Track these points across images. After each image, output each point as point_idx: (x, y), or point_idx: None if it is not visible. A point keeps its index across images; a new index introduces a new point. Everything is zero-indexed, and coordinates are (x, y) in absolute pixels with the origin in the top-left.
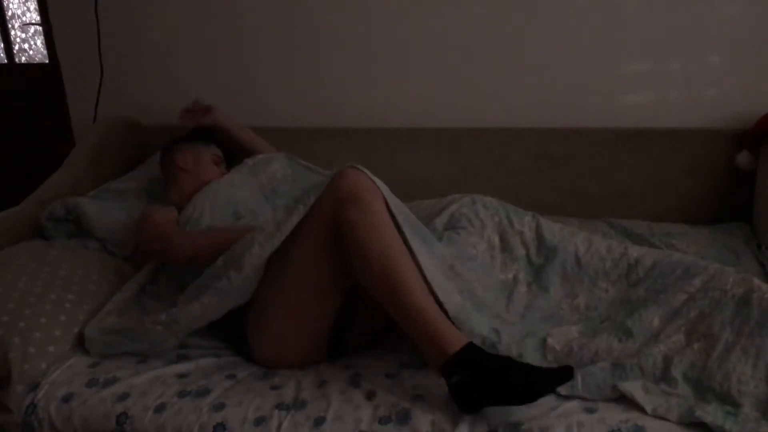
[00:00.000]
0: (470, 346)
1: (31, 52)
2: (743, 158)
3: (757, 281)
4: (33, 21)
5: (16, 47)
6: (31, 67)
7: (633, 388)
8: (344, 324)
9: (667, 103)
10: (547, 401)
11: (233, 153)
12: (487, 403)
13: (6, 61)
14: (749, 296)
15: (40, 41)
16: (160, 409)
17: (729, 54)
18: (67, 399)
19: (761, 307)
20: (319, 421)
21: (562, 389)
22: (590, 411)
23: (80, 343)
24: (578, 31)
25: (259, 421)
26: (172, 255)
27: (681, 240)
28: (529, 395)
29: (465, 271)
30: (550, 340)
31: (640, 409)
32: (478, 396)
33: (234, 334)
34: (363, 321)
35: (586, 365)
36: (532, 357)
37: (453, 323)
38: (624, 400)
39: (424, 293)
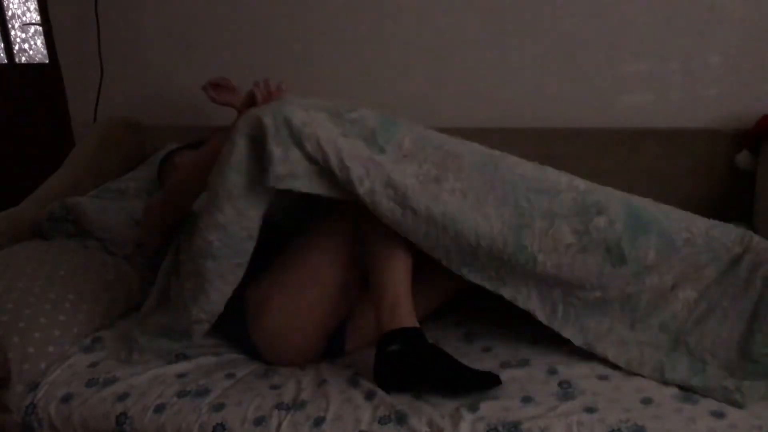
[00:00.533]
0: (418, 331)
1: (31, 52)
2: (743, 158)
3: (757, 240)
4: (33, 21)
5: (16, 47)
6: (31, 67)
7: (606, 345)
8: (345, 325)
9: (667, 103)
10: (547, 400)
11: None
12: (408, 385)
13: (6, 61)
14: (743, 256)
15: (40, 41)
16: (159, 409)
17: (729, 54)
18: (66, 399)
19: (749, 268)
20: (318, 421)
21: (541, 316)
22: (590, 411)
23: (79, 342)
24: (578, 31)
25: (259, 421)
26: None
27: None
28: (450, 390)
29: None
30: (540, 257)
31: (640, 409)
32: (403, 373)
33: (236, 329)
34: (365, 323)
35: (572, 285)
36: (523, 271)
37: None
38: (623, 399)
39: (407, 269)
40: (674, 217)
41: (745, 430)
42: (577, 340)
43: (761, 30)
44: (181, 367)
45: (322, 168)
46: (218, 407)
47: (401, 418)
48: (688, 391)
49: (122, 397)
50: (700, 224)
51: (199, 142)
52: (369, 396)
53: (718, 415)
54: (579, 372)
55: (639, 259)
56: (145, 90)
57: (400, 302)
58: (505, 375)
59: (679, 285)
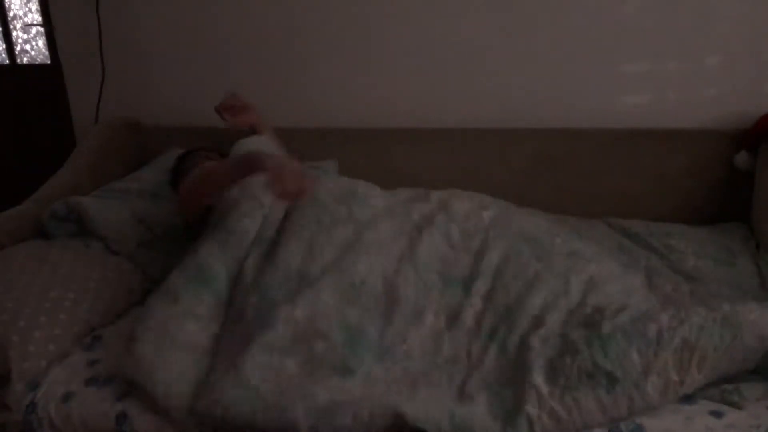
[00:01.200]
0: None
1: (32, 53)
2: (742, 158)
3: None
4: (35, 22)
5: (18, 48)
6: (33, 68)
7: None
8: None
9: (666, 104)
10: None
11: None
12: None
13: (8, 61)
14: (735, 318)
15: (41, 42)
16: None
17: (727, 54)
18: (66, 398)
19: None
20: None
21: None
22: None
23: (79, 341)
24: (577, 32)
25: None
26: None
27: (679, 240)
28: None
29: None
30: (531, 410)
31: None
32: None
33: None
34: None
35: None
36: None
37: None
38: None
39: None
40: (636, 300)
41: (743, 429)
42: None
43: (759, 30)
44: None
45: None
46: None
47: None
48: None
49: (121, 396)
50: (663, 317)
51: (211, 149)
52: None
53: (717, 414)
54: None
55: (628, 369)
56: (146, 91)
57: None
58: None
59: (682, 370)
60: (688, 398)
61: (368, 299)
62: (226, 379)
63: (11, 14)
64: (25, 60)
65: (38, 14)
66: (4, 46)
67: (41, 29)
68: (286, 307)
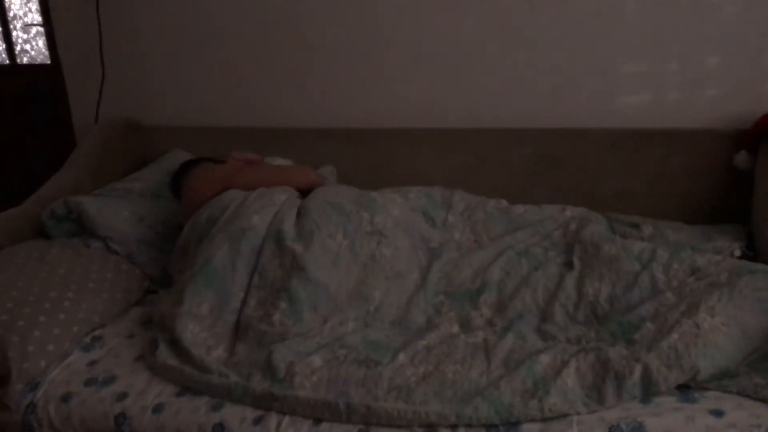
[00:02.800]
0: None
1: (32, 53)
2: (742, 158)
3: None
4: (35, 22)
5: (18, 48)
6: (33, 68)
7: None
8: None
9: (666, 104)
10: None
11: None
12: None
13: (8, 61)
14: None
15: (41, 42)
16: (158, 409)
17: (727, 54)
18: (65, 399)
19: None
20: (318, 421)
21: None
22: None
23: (78, 341)
24: (577, 32)
25: (258, 421)
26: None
27: (666, 228)
28: None
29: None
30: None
31: (639, 408)
32: None
33: None
34: None
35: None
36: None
37: None
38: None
39: None
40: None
41: (744, 428)
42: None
43: (759, 31)
44: None
45: None
46: (217, 407)
47: None
48: (687, 390)
49: (121, 396)
50: (669, 294)
51: (208, 158)
52: None
53: (717, 413)
54: None
55: (642, 332)
56: (146, 90)
57: None
58: None
59: (697, 316)
60: (688, 397)
61: (383, 323)
62: (259, 375)
63: (11, 14)
64: (25, 60)
65: (38, 14)
66: (4, 46)
67: (41, 29)
68: (317, 327)
